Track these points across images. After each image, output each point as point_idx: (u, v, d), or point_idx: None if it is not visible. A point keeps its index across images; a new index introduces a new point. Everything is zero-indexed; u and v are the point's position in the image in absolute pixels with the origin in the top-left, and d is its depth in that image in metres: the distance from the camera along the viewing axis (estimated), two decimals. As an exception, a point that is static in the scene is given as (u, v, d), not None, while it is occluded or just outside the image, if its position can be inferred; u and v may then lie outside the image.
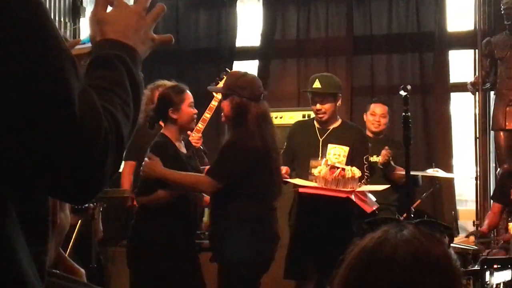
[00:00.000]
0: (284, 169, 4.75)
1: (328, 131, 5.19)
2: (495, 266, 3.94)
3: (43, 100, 1.08)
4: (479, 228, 6.09)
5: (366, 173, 5.10)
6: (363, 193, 4.86)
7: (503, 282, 3.90)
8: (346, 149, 5.13)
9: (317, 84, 5.19)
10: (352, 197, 4.68)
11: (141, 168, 4.29)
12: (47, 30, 1.12)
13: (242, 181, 4.16)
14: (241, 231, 4.13)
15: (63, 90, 1.10)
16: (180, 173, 4.23)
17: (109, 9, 1.46)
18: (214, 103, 5.69)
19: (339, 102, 5.29)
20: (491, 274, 3.90)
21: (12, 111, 1.06)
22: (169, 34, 1.53)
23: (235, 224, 4.17)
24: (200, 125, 5.59)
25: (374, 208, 4.88)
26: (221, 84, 5.34)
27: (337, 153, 5.09)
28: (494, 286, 3.86)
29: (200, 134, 5.59)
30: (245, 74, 4.42)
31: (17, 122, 1.06)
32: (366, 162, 5.16)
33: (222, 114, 4.32)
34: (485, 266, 3.93)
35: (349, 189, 4.71)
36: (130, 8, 1.44)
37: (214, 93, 5.66)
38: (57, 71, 1.10)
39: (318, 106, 5.15)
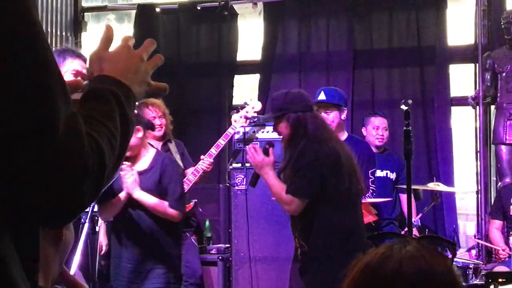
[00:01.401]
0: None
1: None
2: (500, 280, 3.93)
3: (26, 117, 1.09)
4: (496, 252, 6.03)
5: (371, 187, 5.12)
6: (363, 205, 4.87)
7: None
8: None
9: (322, 96, 5.24)
10: None
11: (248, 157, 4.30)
12: (38, 51, 1.13)
13: (323, 191, 4.06)
14: (332, 250, 4.03)
15: (49, 110, 1.11)
16: (277, 182, 4.14)
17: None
18: (231, 130, 5.71)
19: (344, 116, 5.32)
20: None
21: None
22: (165, 83, 1.56)
23: (325, 241, 4.08)
24: (214, 151, 5.60)
25: (370, 221, 4.90)
26: (242, 112, 5.42)
27: None
28: None
29: (211, 160, 5.60)
30: (289, 90, 4.36)
31: None
32: (372, 176, 5.18)
33: (282, 137, 4.24)
34: (490, 280, 3.92)
35: None
36: (133, 51, 1.46)
37: (232, 121, 5.69)
38: (44, 91, 1.11)
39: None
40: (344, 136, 5.30)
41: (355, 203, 4.16)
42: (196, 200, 6.05)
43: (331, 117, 5.19)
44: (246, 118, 5.70)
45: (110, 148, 1.23)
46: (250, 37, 8.27)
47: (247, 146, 5.29)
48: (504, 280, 3.95)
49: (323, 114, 5.17)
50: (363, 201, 4.88)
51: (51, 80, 1.13)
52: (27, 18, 1.12)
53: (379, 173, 6.01)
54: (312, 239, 4.09)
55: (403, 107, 4.18)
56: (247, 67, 8.19)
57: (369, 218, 4.90)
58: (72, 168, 1.13)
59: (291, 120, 4.11)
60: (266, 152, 4.24)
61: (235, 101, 7.99)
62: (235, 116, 5.82)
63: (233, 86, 8.03)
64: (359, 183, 4.17)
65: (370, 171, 5.20)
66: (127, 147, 1.33)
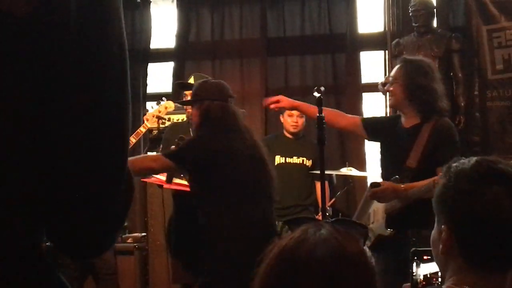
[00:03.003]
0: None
1: None
2: (425, 257, 4.02)
3: (104, 143, 1.05)
4: None
5: None
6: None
7: (430, 273, 3.97)
8: None
9: (191, 80, 5.29)
10: None
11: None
12: (127, 69, 1.13)
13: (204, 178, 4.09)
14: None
15: (123, 136, 1.09)
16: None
17: None
18: (142, 129, 5.65)
19: None
20: (418, 265, 3.99)
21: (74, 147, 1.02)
22: None
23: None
24: None
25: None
26: (155, 112, 5.38)
27: None
28: (422, 277, 3.95)
29: None
30: (208, 79, 4.44)
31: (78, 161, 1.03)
32: None
33: (193, 123, 4.30)
34: (416, 257, 4.01)
35: None
36: None
37: (144, 119, 5.63)
38: (125, 125, 1.10)
39: None
40: None
41: (253, 193, 4.12)
42: None
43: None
44: (159, 118, 5.67)
45: None
46: (164, 24, 8.23)
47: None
48: (429, 257, 4.03)
49: None
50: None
51: (128, 100, 1.13)
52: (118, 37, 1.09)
53: (295, 160, 6.11)
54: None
55: (316, 94, 4.25)
56: (161, 55, 8.14)
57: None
58: (130, 200, 1.12)
59: (201, 109, 4.16)
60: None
61: (149, 89, 7.95)
62: (147, 115, 5.78)
63: (147, 74, 7.98)
64: (265, 174, 4.19)
65: None
66: None
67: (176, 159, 4.09)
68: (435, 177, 3.90)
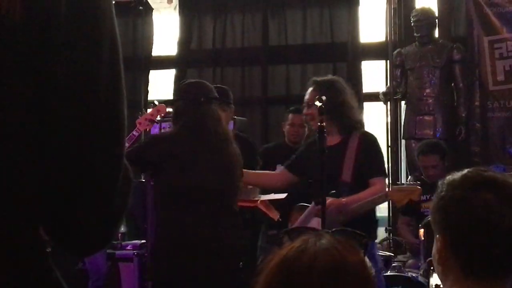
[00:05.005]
0: None
1: None
2: None
3: (103, 138, 1.09)
4: (406, 245, 6.07)
5: None
6: (266, 202, 4.90)
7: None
8: None
9: None
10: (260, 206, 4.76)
11: None
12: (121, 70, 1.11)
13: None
14: None
15: (121, 133, 1.14)
16: None
17: None
18: (135, 133, 5.65)
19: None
20: (431, 275, 4.00)
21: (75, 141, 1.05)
22: None
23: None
24: None
25: (278, 216, 4.96)
26: (147, 115, 5.41)
27: None
28: (434, 286, 3.96)
29: None
30: (191, 80, 4.44)
31: (77, 161, 1.05)
32: None
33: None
34: (431, 268, 4.02)
35: (255, 199, 4.77)
36: None
37: (137, 123, 5.62)
38: (120, 110, 1.11)
39: None
40: None
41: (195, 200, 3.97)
42: None
43: None
44: (151, 121, 5.66)
45: None
46: (166, 32, 8.25)
47: None
48: None
49: None
50: (264, 198, 4.90)
51: (123, 98, 1.12)
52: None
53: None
54: None
55: (317, 103, 4.25)
56: (163, 62, 8.15)
57: (277, 216, 4.95)
58: (129, 189, 1.17)
59: (173, 107, 4.21)
60: None
61: (151, 97, 7.95)
62: (140, 119, 5.76)
63: (148, 81, 7.99)
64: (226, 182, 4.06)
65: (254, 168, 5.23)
66: None
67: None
68: (386, 191, 3.95)
